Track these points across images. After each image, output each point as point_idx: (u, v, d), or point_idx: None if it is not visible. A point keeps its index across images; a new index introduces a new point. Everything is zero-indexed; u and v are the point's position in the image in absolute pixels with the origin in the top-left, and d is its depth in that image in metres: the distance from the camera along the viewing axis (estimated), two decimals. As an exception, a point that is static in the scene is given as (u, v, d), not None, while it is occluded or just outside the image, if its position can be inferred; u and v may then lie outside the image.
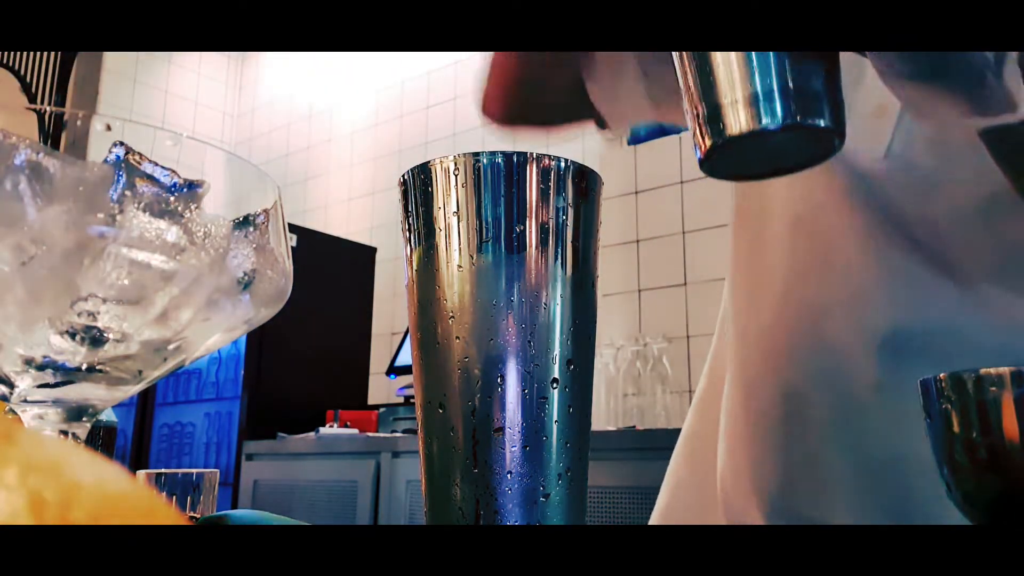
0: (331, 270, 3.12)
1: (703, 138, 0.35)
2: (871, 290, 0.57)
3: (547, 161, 0.34)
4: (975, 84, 0.36)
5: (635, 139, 2.37)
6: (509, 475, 0.32)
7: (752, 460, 0.65)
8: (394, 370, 2.92)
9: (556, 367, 0.33)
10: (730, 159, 0.35)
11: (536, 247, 0.33)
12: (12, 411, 0.30)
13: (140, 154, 0.29)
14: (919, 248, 0.55)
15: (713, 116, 0.34)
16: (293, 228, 2.95)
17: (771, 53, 0.34)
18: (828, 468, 0.58)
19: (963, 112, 0.37)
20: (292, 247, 0.36)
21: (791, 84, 0.33)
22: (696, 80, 0.35)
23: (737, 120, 0.34)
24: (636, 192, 2.58)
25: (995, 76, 0.35)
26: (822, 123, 0.34)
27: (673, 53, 0.36)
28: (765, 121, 0.33)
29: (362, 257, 3.34)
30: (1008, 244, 0.53)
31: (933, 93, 0.37)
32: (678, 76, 0.36)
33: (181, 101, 3.98)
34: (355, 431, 2.61)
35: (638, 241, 2.56)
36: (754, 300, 0.65)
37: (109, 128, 0.29)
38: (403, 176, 0.36)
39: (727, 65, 0.34)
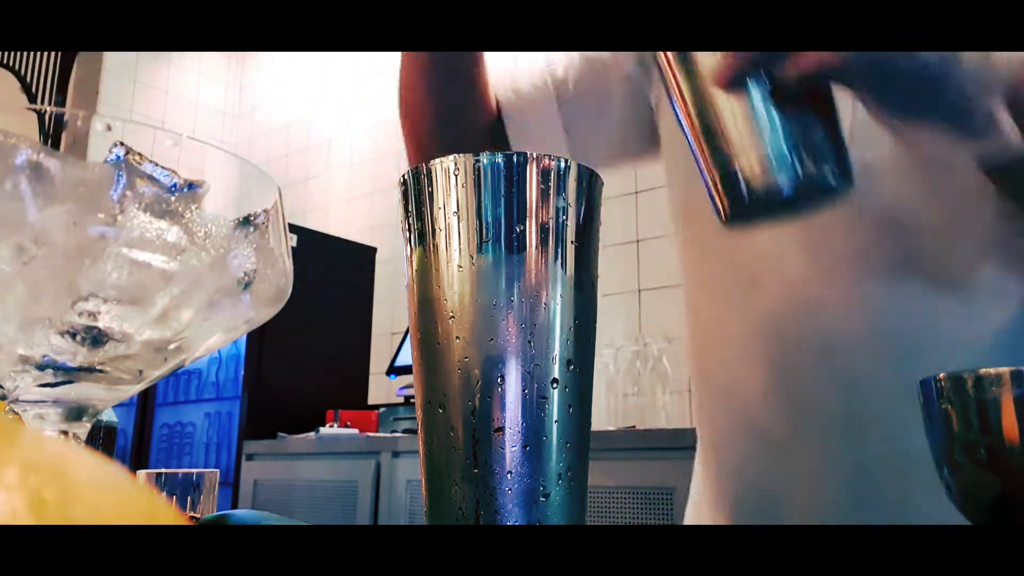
0: (331, 270, 3.11)
1: (721, 201, 0.36)
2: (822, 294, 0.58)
3: (547, 161, 0.34)
4: (963, 114, 0.37)
5: None
6: (509, 475, 0.32)
7: (725, 468, 0.65)
8: (394, 370, 2.92)
9: (556, 367, 0.33)
10: (748, 213, 0.37)
11: (536, 247, 0.33)
12: (12, 411, 0.30)
13: (140, 154, 0.29)
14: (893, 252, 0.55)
15: (727, 181, 0.36)
16: (293, 228, 2.95)
17: (775, 112, 0.35)
18: (827, 468, 0.58)
19: (954, 140, 0.38)
20: (292, 247, 0.36)
21: (798, 143, 0.35)
22: (705, 143, 0.36)
23: (751, 183, 0.35)
24: (636, 192, 2.58)
25: (978, 104, 0.37)
26: (832, 180, 0.35)
27: (678, 110, 0.37)
28: (779, 182, 0.34)
29: (362, 257, 3.34)
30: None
31: (924, 125, 0.38)
32: (686, 135, 0.37)
33: (181, 101, 3.98)
34: (355, 431, 2.61)
35: (638, 241, 2.56)
36: (714, 305, 0.65)
37: (109, 128, 0.29)
38: (403, 176, 0.36)
39: (734, 127, 0.35)
